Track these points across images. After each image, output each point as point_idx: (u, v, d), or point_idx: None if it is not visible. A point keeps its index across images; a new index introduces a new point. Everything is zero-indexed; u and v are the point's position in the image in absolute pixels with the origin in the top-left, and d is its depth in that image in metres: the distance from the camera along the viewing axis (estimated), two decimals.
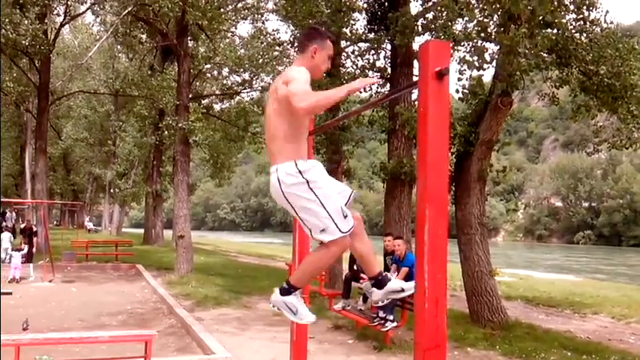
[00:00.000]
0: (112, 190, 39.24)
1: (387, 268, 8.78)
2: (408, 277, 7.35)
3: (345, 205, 2.85)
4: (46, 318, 9.40)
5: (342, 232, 2.74)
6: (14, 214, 31.06)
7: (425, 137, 2.14)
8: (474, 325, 8.82)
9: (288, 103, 2.75)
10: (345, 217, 2.77)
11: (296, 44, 3.12)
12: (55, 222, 58.05)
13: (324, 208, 2.73)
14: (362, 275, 8.71)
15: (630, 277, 27.20)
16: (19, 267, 14.13)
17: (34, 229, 17.98)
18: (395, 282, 3.01)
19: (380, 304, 7.22)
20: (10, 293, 11.66)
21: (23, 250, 15.77)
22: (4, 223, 21.39)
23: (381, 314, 7.50)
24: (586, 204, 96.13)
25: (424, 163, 2.14)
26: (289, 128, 2.86)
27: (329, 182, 2.88)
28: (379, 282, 2.98)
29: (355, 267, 9.04)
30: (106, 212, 47.34)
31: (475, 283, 9.08)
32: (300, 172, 2.79)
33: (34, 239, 17.44)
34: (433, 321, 2.10)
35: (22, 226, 18.77)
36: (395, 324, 7.37)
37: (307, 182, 2.77)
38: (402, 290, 2.95)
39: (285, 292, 2.89)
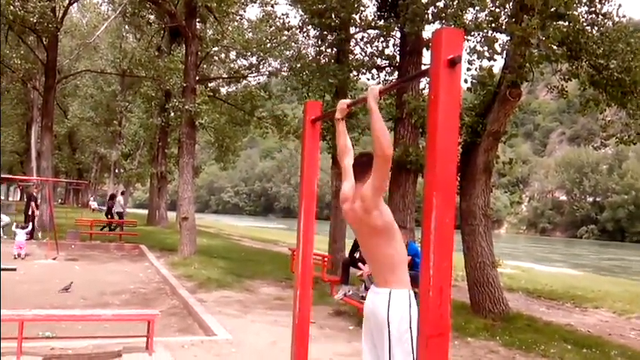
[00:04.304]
0: (116, 170, 39.33)
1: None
2: (410, 266, 7.32)
3: None
4: (49, 295, 9.48)
5: None
6: (19, 190, 31.51)
7: (435, 125, 2.12)
8: (475, 316, 8.84)
9: (387, 230, 2.97)
10: None
11: (356, 169, 3.13)
12: (59, 200, 58.30)
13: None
14: (360, 265, 8.61)
15: (627, 272, 27.18)
16: (23, 245, 14.21)
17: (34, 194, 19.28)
18: None
19: None
20: (15, 269, 11.76)
21: (27, 227, 15.83)
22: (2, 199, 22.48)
23: None
24: (590, 199, 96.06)
25: (433, 151, 2.12)
26: (395, 254, 3.00)
27: None
28: None
29: (356, 254, 8.97)
30: (111, 192, 47.48)
31: (477, 274, 9.08)
32: (410, 304, 2.90)
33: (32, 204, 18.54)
34: (437, 309, 2.10)
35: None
36: None
37: (410, 320, 2.89)
38: None
39: None
